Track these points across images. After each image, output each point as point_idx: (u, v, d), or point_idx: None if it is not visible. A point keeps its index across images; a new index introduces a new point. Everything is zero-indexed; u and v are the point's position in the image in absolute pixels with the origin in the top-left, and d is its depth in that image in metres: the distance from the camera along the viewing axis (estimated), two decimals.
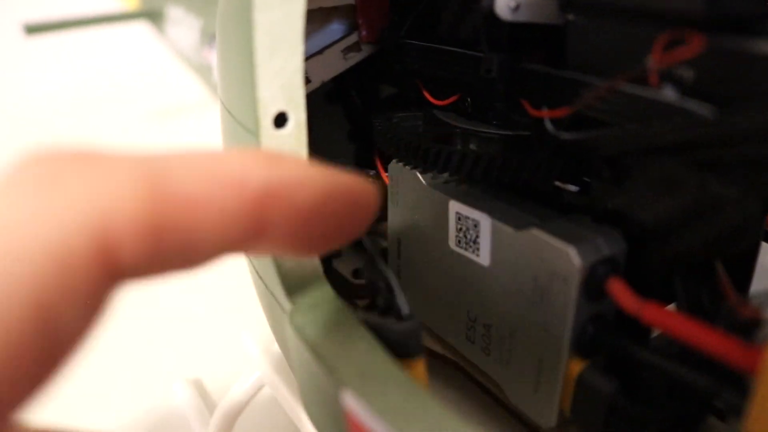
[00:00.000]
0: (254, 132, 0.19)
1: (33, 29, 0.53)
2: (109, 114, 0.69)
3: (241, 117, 0.20)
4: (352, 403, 0.15)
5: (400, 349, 0.17)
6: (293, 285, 0.19)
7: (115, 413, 0.32)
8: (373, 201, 0.15)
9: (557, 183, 0.20)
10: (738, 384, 0.15)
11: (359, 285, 0.28)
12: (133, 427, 0.31)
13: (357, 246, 0.29)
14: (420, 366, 0.17)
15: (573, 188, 0.21)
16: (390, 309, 0.17)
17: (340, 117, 0.30)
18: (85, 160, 0.11)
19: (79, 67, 0.79)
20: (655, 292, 0.18)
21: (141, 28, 0.60)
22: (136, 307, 0.38)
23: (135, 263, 0.11)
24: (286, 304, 0.19)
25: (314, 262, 0.19)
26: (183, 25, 0.48)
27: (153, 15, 0.55)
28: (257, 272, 0.21)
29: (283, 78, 0.18)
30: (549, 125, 0.18)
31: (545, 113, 0.18)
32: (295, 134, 0.19)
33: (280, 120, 0.19)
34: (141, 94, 0.71)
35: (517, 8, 0.19)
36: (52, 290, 0.10)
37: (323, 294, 0.19)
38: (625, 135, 0.16)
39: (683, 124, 0.15)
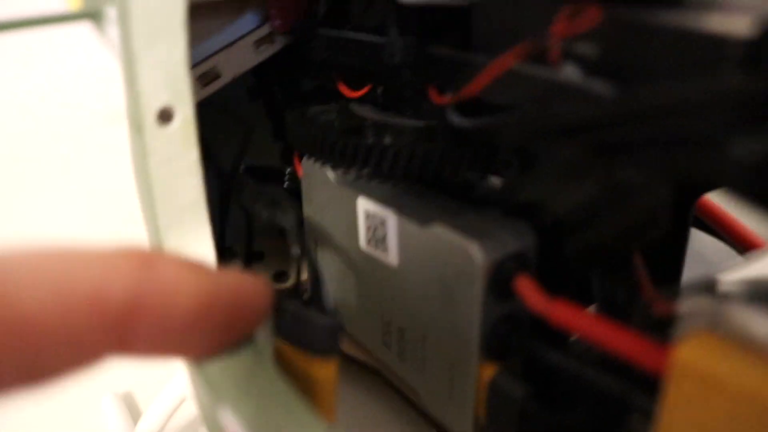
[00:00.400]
0: (139, 129, 0.17)
1: None
2: (54, 119, 0.67)
3: (128, 113, 0.18)
4: (229, 421, 0.14)
5: (317, 345, 0.15)
6: None
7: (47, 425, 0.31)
8: (264, 301, 0.15)
9: (469, 175, 0.19)
10: (652, 387, 0.14)
11: (281, 289, 0.26)
12: None
13: (280, 247, 0.28)
14: (333, 367, 0.16)
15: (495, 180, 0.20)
16: (313, 302, 0.16)
17: (263, 113, 0.29)
18: None
19: (18, 69, 0.77)
20: (573, 291, 0.17)
21: (83, 29, 0.59)
22: None
23: None
24: None
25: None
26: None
27: (95, 15, 0.53)
28: None
29: (165, 69, 0.17)
30: (451, 113, 0.17)
31: (445, 99, 0.17)
32: (182, 131, 0.17)
33: (165, 115, 0.17)
34: (86, 97, 0.69)
35: None
36: None
37: None
38: (524, 119, 0.15)
39: (583, 105, 0.14)
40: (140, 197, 0.19)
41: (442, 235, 0.17)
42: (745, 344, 0.13)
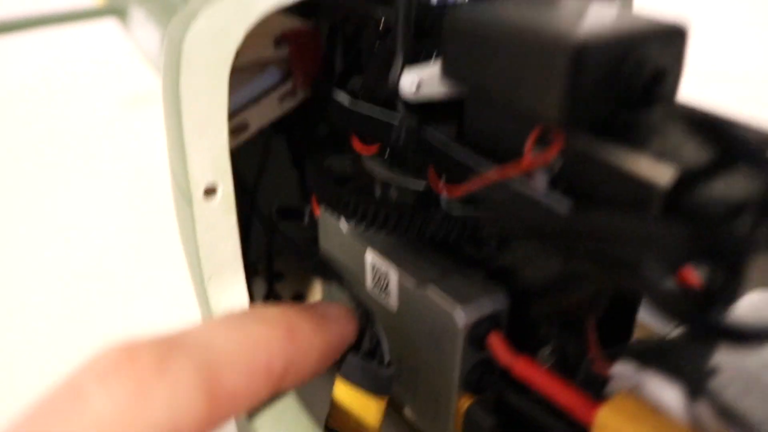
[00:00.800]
0: (189, 201, 0.21)
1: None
2: (80, 103, 0.71)
3: (179, 185, 0.22)
4: None
5: (377, 388, 0.20)
6: None
7: None
8: (354, 332, 0.20)
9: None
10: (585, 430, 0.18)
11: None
12: None
13: (298, 269, 0.32)
14: (384, 401, 0.21)
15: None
16: (374, 354, 0.21)
17: (281, 149, 0.33)
18: (157, 367, 0.15)
19: (44, 57, 0.80)
20: (536, 341, 0.21)
21: (108, 24, 0.62)
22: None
23: None
24: None
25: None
26: (146, 29, 0.50)
27: (120, 12, 0.56)
28: (203, 316, 0.24)
29: (210, 155, 0.21)
30: (443, 198, 0.21)
31: (440, 188, 0.21)
32: (224, 202, 0.21)
33: (210, 191, 0.21)
34: (110, 82, 0.72)
35: (418, 88, 0.21)
36: None
37: None
38: (497, 220, 0.19)
39: (542, 217, 0.18)
40: (186, 253, 0.23)
41: (433, 297, 0.21)
42: (653, 407, 0.17)
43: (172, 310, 0.41)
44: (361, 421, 0.20)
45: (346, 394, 0.20)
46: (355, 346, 0.21)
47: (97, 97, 0.72)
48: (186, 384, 0.15)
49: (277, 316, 0.18)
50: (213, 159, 0.21)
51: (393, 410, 0.27)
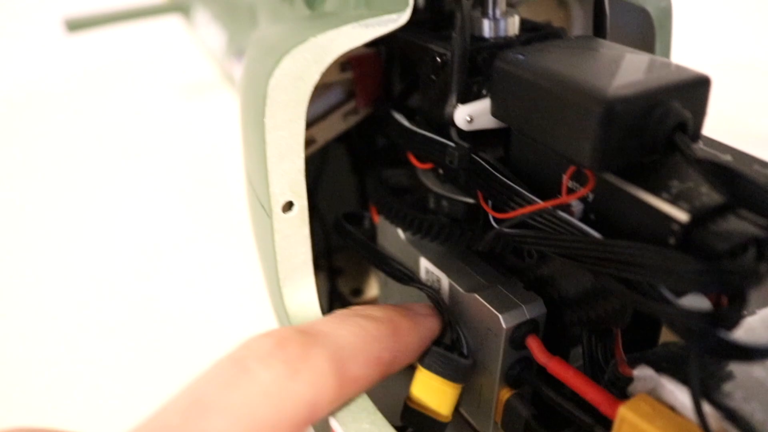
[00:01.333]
0: (269, 215, 0.25)
1: (74, 26, 0.58)
2: (138, 89, 0.75)
3: (260, 199, 0.25)
4: (335, 426, 0.22)
5: (457, 377, 0.24)
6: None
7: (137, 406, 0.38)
8: (439, 327, 0.25)
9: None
10: (609, 423, 0.21)
11: (358, 303, 0.34)
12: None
13: (357, 264, 0.36)
14: (460, 388, 0.25)
15: None
16: (454, 348, 0.25)
17: (341, 157, 0.36)
18: (302, 354, 0.19)
19: (111, 50, 0.84)
20: (569, 344, 0.24)
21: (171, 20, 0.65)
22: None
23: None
24: None
25: (315, 308, 0.26)
26: (210, 29, 0.53)
27: (185, 9, 0.60)
28: (276, 311, 0.28)
29: (289, 177, 0.24)
30: (493, 220, 0.24)
31: (488, 209, 0.24)
32: (299, 216, 0.25)
33: (287, 207, 0.25)
34: (167, 70, 0.76)
35: (471, 120, 0.24)
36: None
37: None
38: (541, 240, 0.22)
39: (579, 240, 0.21)
40: (263, 258, 0.27)
41: (479, 302, 0.24)
42: (669, 407, 0.20)
43: (224, 298, 0.44)
44: (437, 405, 0.24)
45: (426, 380, 0.24)
46: (436, 340, 0.24)
47: (160, 85, 0.75)
48: (322, 369, 0.19)
49: (383, 315, 0.22)
50: (291, 180, 0.24)
51: None
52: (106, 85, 0.78)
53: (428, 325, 0.24)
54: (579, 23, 0.33)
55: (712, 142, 0.22)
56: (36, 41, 0.91)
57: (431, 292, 0.25)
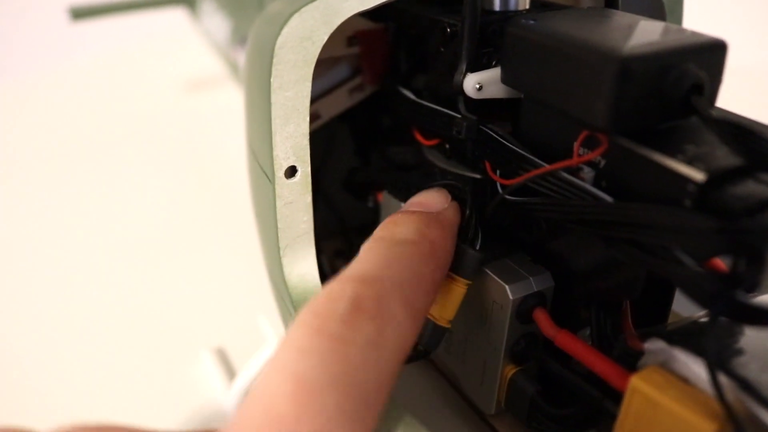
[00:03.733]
0: (272, 180, 0.24)
1: (78, 14, 0.58)
2: (143, 83, 0.75)
3: (262, 165, 0.25)
4: None
5: (462, 269, 0.23)
6: (298, 299, 0.25)
7: (148, 376, 0.37)
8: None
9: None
10: (618, 397, 0.21)
11: None
12: (163, 388, 0.37)
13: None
14: (465, 287, 0.23)
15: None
16: (468, 241, 0.24)
17: (348, 134, 0.36)
18: (379, 306, 0.18)
19: (116, 41, 0.84)
20: (577, 319, 0.23)
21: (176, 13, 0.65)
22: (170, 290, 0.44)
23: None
24: (291, 311, 0.25)
25: (316, 280, 0.25)
26: (215, 19, 0.53)
27: (190, 2, 0.60)
28: (274, 284, 0.27)
29: (293, 140, 0.24)
30: (500, 188, 0.23)
31: (496, 178, 0.24)
32: (302, 182, 0.24)
33: (291, 172, 0.24)
34: (178, 66, 0.76)
35: (480, 88, 0.24)
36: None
37: None
38: (550, 206, 0.21)
39: (590, 204, 0.20)
40: (262, 226, 0.26)
41: (486, 274, 0.23)
42: (681, 379, 0.19)
43: (221, 287, 0.44)
44: (441, 304, 0.23)
45: None
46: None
47: (164, 78, 0.75)
48: (401, 316, 0.18)
49: (416, 236, 0.21)
50: (295, 144, 0.24)
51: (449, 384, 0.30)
52: (107, 78, 0.78)
53: (453, 220, 0.23)
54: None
55: (725, 112, 0.22)
56: (39, 31, 0.91)
57: (451, 183, 0.25)
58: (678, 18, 0.31)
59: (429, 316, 0.23)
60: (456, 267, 0.23)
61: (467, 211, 0.24)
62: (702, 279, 0.17)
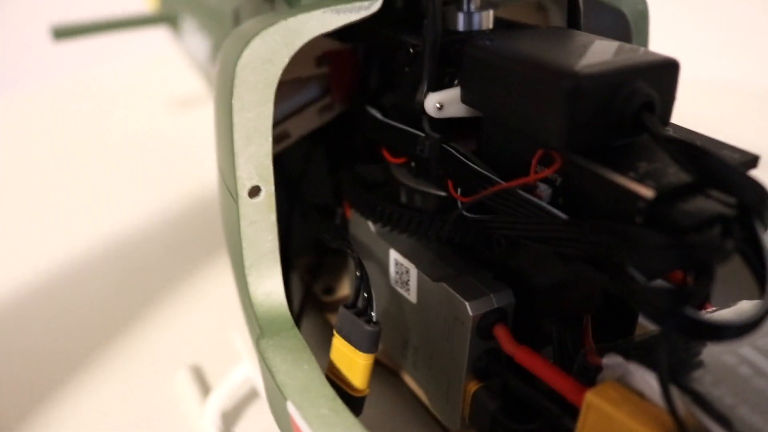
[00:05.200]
0: (236, 199, 0.24)
1: (60, 33, 0.58)
2: (129, 104, 0.75)
3: (228, 184, 0.25)
4: (293, 411, 0.21)
5: (363, 345, 0.23)
6: (263, 317, 0.25)
7: (121, 392, 0.37)
8: None
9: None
10: (577, 413, 0.21)
11: (329, 302, 0.34)
12: (137, 405, 0.36)
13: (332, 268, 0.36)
14: (370, 360, 0.23)
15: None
16: (365, 313, 0.23)
17: (322, 153, 0.36)
18: None
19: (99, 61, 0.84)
20: (539, 335, 0.23)
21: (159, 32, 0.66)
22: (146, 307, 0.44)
23: None
24: (257, 329, 0.25)
25: (281, 299, 0.25)
26: (195, 38, 0.53)
27: (171, 20, 0.60)
28: (242, 301, 0.27)
29: (256, 161, 0.24)
30: (460, 205, 0.24)
31: (457, 196, 0.24)
32: (266, 202, 0.24)
33: (254, 192, 0.24)
34: (158, 84, 0.76)
35: (441, 107, 0.24)
36: None
37: (284, 323, 0.25)
38: (507, 223, 0.21)
39: (545, 222, 0.20)
40: (229, 245, 0.26)
41: (447, 291, 0.24)
42: (637, 394, 0.19)
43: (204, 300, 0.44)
44: (351, 376, 0.23)
45: (338, 347, 0.23)
46: (351, 304, 0.23)
47: (147, 98, 0.76)
48: None
49: None
50: (258, 164, 0.24)
51: (416, 399, 0.30)
52: (92, 96, 0.78)
53: None
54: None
55: (681, 129, 0.22)
56: (23, 49, 0.91)
57: (350, 251, 0.24)
58: (644, 35, 0.32)
59: (344, 386, 0.23)
60: (355, 343, 0.23)
61: (357, 273, 0.23)
62: (653, 295, 0.17)
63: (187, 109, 0.72)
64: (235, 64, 0.22)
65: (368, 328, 0.22)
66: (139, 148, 0.65)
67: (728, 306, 0.23)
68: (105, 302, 0.44)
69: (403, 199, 0.28)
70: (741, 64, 0.79)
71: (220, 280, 0.45)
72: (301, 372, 0.22)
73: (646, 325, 0.26)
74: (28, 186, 0.60)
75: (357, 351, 0.23)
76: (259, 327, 0.24)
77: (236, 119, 0.23)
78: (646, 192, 0.18)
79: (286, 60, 0.23)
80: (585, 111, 0.19)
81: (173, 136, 0.67)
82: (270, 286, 0.25)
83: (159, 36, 0.72)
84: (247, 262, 0.25)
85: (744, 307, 0.23)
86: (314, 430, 0.20)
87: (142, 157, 0.63)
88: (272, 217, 0.25)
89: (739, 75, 0.76)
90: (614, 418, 0.19)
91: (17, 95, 0.80)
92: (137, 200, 0.57)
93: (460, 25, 0.26)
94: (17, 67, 0.89)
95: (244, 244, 0.25)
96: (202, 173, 0.57)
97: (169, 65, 0.78)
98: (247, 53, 0.22)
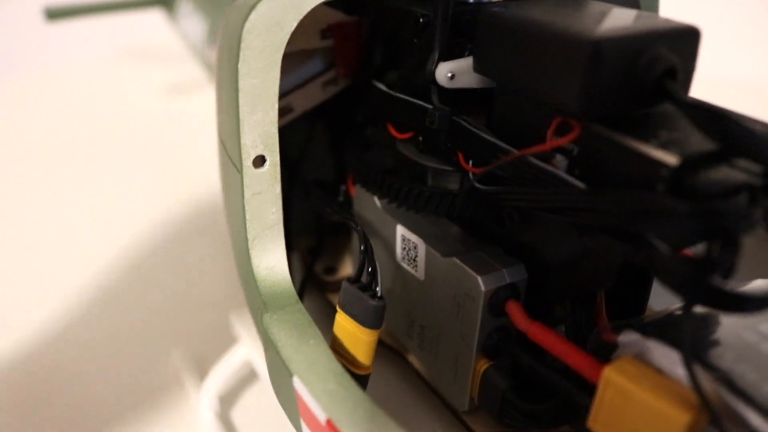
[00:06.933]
0: (240, 170, 0.23)
1: (54, 14, 0.57)
2: (120, 86, 0.74)
3: (231, 155, 0.24)
4: (299, 387, 0.20)
5: (368, 320, 0.22)
6: (266, 291, 0.24)
7: (119, 376, 0.37)
8: None
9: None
10: (592, 391, 0.20)
11: (330, 282, 0.33)
12: (134, 388, 0.36)
13: (334, 248, 0.35)
14: (375, 336, 0.22)
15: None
16: (369, 288, 0.22)
17: (322, 131, 0.35)
18: None
19: (92, 44, 0.83)
20: (551, 313, 0.23)
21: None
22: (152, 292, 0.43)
23: None
24: (260, 304, 0.24)
25: (285, 273, 0.24)
26: (192, 21, 0.52)
27: (167, 3, 0.59)
28: (243, 277, 0.26)
29: (261, 128, 0.23)
30: (471, 176, 0.23)
31: (469, 167, 0.23)
32: (271, 172, 0.24)
33: (259, 162, 0.23)
34: (156, 69, 0.75)
35: (453, 77, 0.23)
36: None
37: (288, 298, 0.24)
38: (522, 194, 0.21)
39: (562, 191, 0.20)
40: (231, 218, 0.26)
41: (457, 266, 0.23)
42: (655, 370, 0.19)
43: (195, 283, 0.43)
44: (354, 353, 0.22)
45: (342, 323, 0.22)
46: (355, 279, 0.22)
47: (142, 82, 0.75)
48: None
49: None
50: (263, 132, 0.23)
51: (422, 380, 0.29)
52: (83, 82, 0.77)
53: None
54: None
55: (700, 101, 0.22)
56: (14, 33, 0.90)
57: (354, 224, 0.24)
58: (654, 12, 0.31)
59: (348, 363, 0.22)
60: (359, 319, 0.22)
61: (361, 246, 0.23)
62: (676, 264, 0.17)
63: (181, 94, 0.71)
64: (241, 28, 0.22)
65: (373, 302, 0.22)
66: (132, 132, 0.64)
67: (742, 284, 0.22)
68: (99, 285, 0.43)
69: (410, 181, 0.27)
70: (742, 60, 0.79)
71: (215, 264, 0.44)
72: (307, 347, 0.22)
73: (653, 309, 0.26)
74: (19, 172, 0.59)
75: (361, 327, 0.22)
76: (263, 302, 0.24)
77: (242, 85, 0.22)
78: (671, 159, 0.17)
79: (293, 24, 0.22)
80: (606, 75, 0.18)
81: (166, 121, 0.66)
82: (273, 260, 0.25)
83: (153, 19, 0.71)
84: (250, 235, 0.24)
85: (759, 284, 0.23)
86: (322, 406, 0.19)
87: (135, 141, 0.63)
88: (277, 189, 0.24)
89: (741, 71, 0.76)
90: (634, 394, 0.18)
91: (10, 80, 0.79)
92: (131, 183, 0.56)
93: None
94: (10, 51, 0.88)
95: (248, 216, 0.24)
96: (196, 157, 0.57)
97: (163, 50, 0.77)
98: (254, 16, 0.22)
